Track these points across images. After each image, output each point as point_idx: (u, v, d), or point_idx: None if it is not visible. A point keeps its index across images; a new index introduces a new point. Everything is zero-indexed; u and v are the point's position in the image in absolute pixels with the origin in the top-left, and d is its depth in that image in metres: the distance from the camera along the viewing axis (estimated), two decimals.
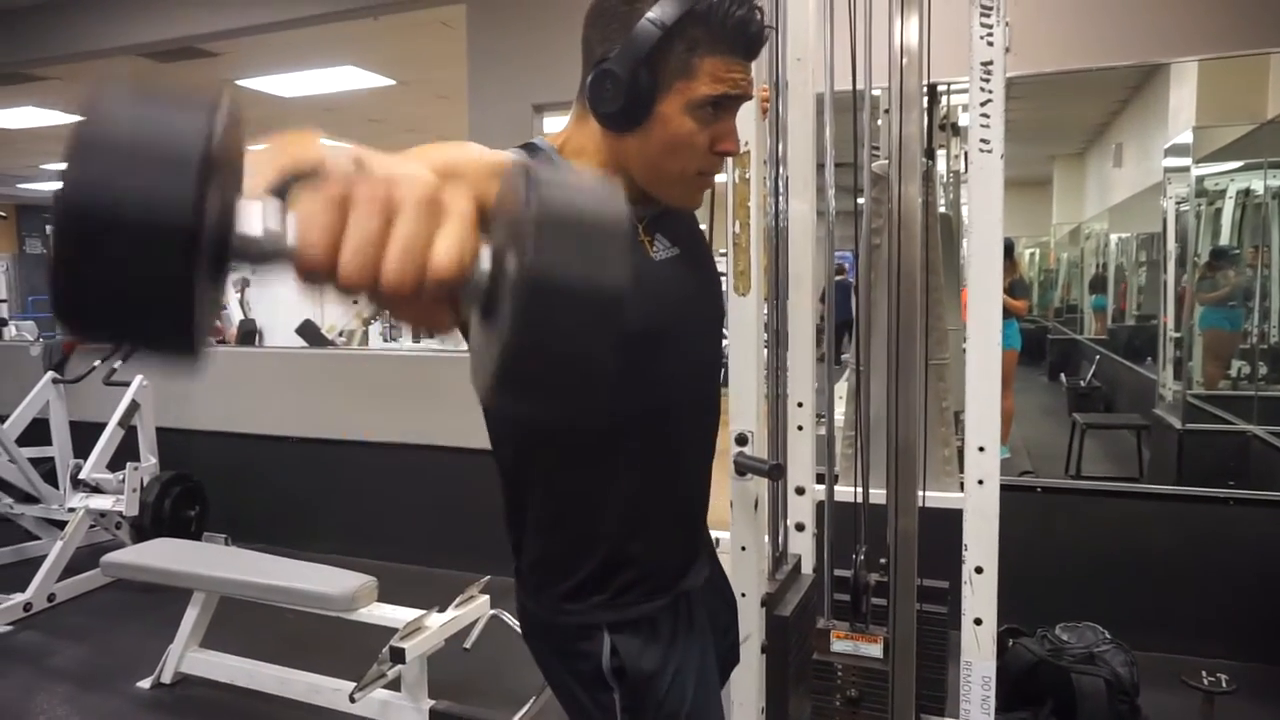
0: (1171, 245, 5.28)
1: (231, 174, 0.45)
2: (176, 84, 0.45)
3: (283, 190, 0.47)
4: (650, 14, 0.93)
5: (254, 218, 0.45)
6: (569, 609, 1.01)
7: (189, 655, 2.96)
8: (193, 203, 0.40)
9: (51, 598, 3.69)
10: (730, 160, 1.59)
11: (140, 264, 0.40)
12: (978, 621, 1.57)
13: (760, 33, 0.98)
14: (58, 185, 0.41)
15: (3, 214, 9.97)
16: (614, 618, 1.02)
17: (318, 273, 0.44)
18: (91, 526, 4.06)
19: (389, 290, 0.44)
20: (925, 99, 1.75)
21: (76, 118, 0.43)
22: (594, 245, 0.47)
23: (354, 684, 2.50)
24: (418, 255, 0.44)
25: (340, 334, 5.68)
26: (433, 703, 2.57)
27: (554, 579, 1.02)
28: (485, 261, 0.49)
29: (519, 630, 1.14)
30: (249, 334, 5.84)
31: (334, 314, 5.65)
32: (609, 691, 1.03)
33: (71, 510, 3.94)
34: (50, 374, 4.35)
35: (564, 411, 0.52)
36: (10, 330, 5.63)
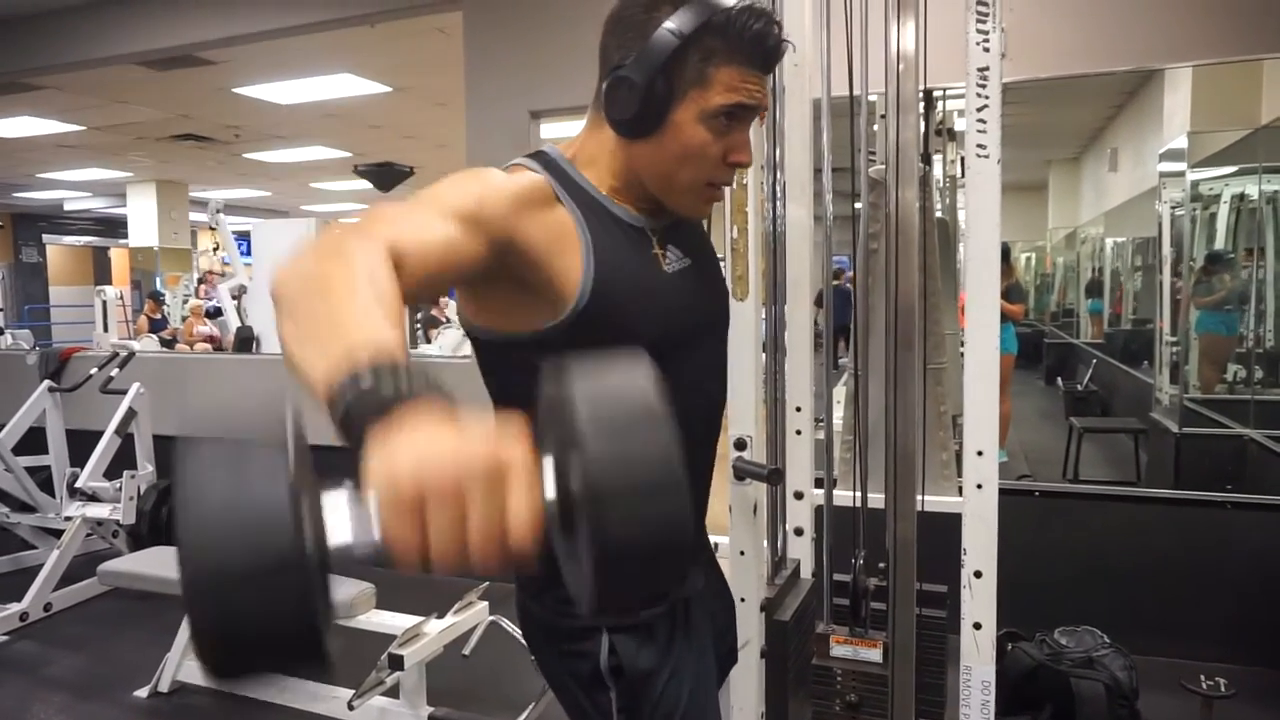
0: (1167, 250, 5.29)
1: (309, 478, 0.51)
2: (244, 443, 0.50)
3: (350, 421, 0.53)
4: (668, 23, 0.93)
5: (339, 518, 0.50)
6: (570, 611, 1.01)
7: (186, 664, 2.95)
8: (310, 606, 0.47)
9: (48, 607, 3.68)
10: None
11: (270, 622, 0.47)
12: (977, 626, 1.57)
13: (777, 46, 0.99)
14: (189, 612, 0.46)
15: None
16: (614, 621, 1.02)
17: (414, 568, 0.50)
18: (88, 535, 4.04)
19: (480, 566, 0.50)
20: (922, 104, 1.76)
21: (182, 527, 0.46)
22: (646, 432, 0.51)
23: (352, 691, 2.49)
24: (497, 532, 0.49)
25: None
26: (431, 709, 2.56)
27: (556, 582, 1.02)
28: (550, 490, 0.53)
29: (518, 636, 1.13)
30: (246, 340, 5.83)
31: None
32: (606, 691, 1.03)
33: (68, 519, 3.92)
34: (47, 382, 4.34)
35: (663, 588, 0.56)
36: (6, 339, 5.62)
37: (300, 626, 0.47)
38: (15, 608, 3.58)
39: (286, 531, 0.46)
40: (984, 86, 1.48)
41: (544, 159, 1.02)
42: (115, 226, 14.15)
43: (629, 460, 0.50)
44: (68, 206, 13.86)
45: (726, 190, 1.60)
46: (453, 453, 0.49)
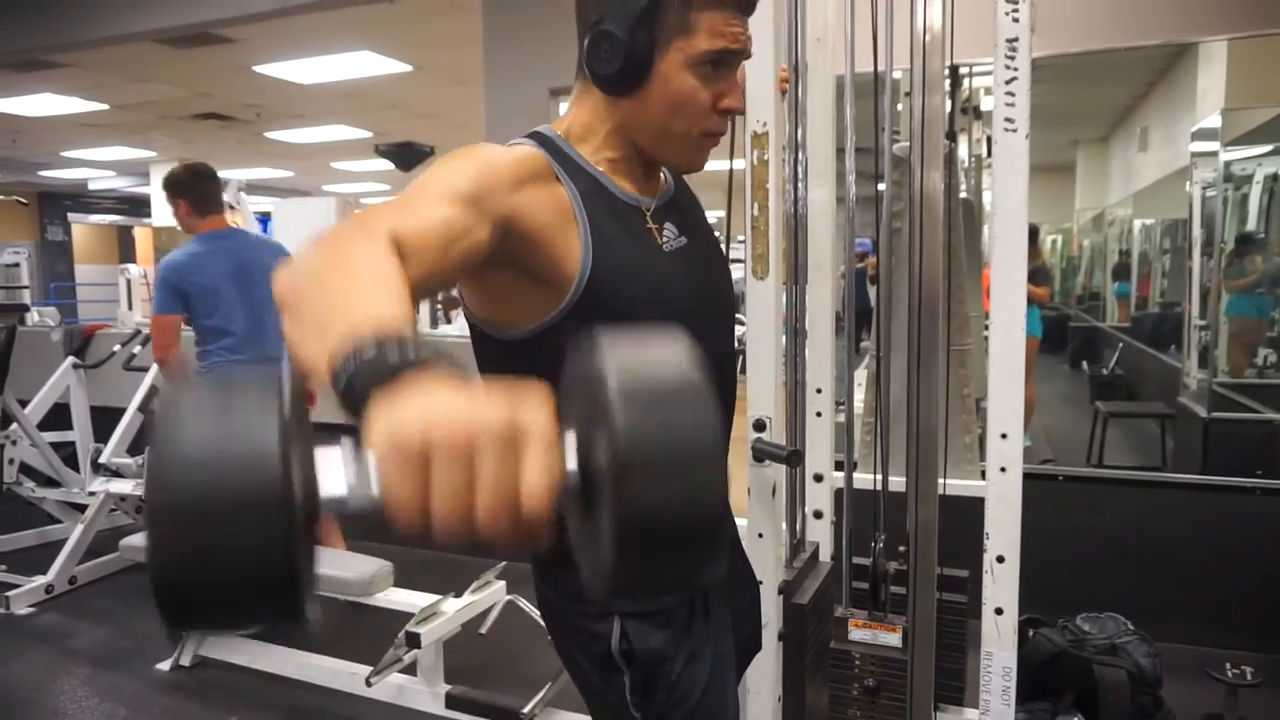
0: (1197, 231, 5.19)
1: (305, 428, 0.46)
2: (239, 380, 0.45)
3: (352, 392, 0.49)
4: None
5: (334, 472, 0.45)
6: (586, 596, 1.00)
7: (207, 638, 2.98)
8: (290, 550, 0.41)
9: (73, 580, 3.74)
10: (749, 142, 1.56)
11: (243, 565, 0.41)
12: (999, 611, 1.55)
13: None
14: (149, 552, 0.41)
15: (24, 201, 10.06)
16: (629, 609, 1.01)
17: (413, 529, 0.45)
18: (112, 510, 4.09)
19: (486, 534, 0.45)
20: (948, 81, 1.71)
21: (155, 440, 0.42)
22: (679, 408, 0.47)
23: (371, 668, 2.51)
24: (508, 496, 0.44)
25: None
26: (449, 687, 2.57)
27: (570, 571, 1.00)
28: (572, 461, 0.48)
29: (535, 615, 1.13)
30: None
31: None
32: (619, 674, 1.02)
33: (92, 494, 3.97)
34: (71, 359, 4.39)
35: (683, 575, 0.50)
36: (32, 316, 5.68)
37: (276, 571, 0.42)
38: (41, 580, 3.64)
39: (273, 466, 0.41)
40: (1012, 58, 1.43)
41: (539, 138, 1.00)
42: (139, 206, 14.25)
43: (663, 429, 0.45)
44: (92, 186, 13.98)
45: (747, 169, 1.58)
46: (465, 409, 0.45)
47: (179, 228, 3.27)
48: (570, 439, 0.49)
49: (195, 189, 3.18)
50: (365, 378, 0.49)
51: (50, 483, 4.29)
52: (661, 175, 1.11)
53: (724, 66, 0.97)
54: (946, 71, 1.62)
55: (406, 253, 0.69)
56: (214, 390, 0.44)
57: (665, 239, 1.04)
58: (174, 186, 3.18)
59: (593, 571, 0.51)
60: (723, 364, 1.13)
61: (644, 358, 0.48)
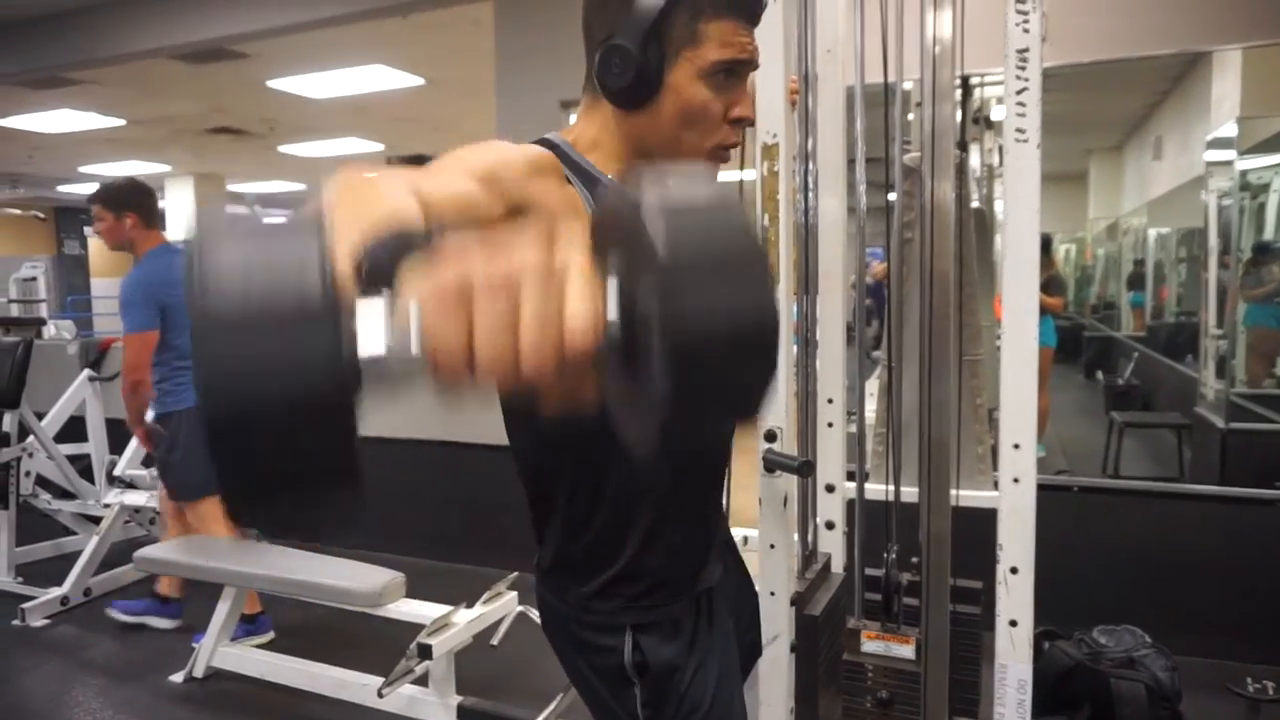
0: (1214, 240, 5.15)
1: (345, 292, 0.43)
2: (279, 208, 0.43)
3: (379, 265, 0.45)
4: None
5: (372, 328, 0.43)
6: (594, 608, 1.00)
7: (220, 650, 2.98)
8: (338, 375, 0.39)
9: (88, 592, 3.75)
10: (759, 153, 1.56)
11: (296, 437, 0.39)
12: (1013, 623, 1.53)
13: None
14: (199, 371, 0.38)
15: (41, 216, 10.17)
16: (637, 619, 1.00)
17: (457, 378, 0.43)
18: (126, 522, 4.12)
19: (533, 373, 0.42)
20: (959, 91, 1.71)
21: (193, 261, 0.40)
22: (732, 258, 0.43)
23: (382, 679, 2.50)
24: (553, 329, 0.42)
25: None
26: (460, 699, 2.56)
27: (577, 580, 1.01)
28: (613, 309, 0.45)
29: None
30: None
31: None
32: (630, 686, 1.01)
33: (107, 506, 4.00)
34: (87, 371, 4.42)
35: (748, 389, 0.45)
36: (49, 329, 5.73)
37: (335, 448, 0.40)
38: (56, 592, 3.66)
39: (321, 286, 0.39)
40: (1023, 68, 1.43)
41: (547, 144, 1.01)
42: None
43: (705, 233, 0.43)
44: None
45: (758, 180, 1.58)
46: (503, 250, 0.43)
47: (106, 244, 3.12)
48: (612, 283, 0.46)
49: (142, 202, 3.11)
50: (392, 250, 0.46)
51: (66, 495, 4.32)
52: None
53: (734, 77, 0.98)
54: (957, 81, 1.62)
55: (424, 209, 0.68)
56: (254, 222, 0.43)
57: None
58: (120, 199, 3.08)
59: (641, 420, 0.47)
60: None
61: (672, 180, 0.46)
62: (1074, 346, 8.62)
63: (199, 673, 3.00)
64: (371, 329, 0.42)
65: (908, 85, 1.96)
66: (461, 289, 0.42)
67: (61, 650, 3.36)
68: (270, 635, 3.24)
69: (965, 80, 3.25)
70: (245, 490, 0.41)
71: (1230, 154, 4.80)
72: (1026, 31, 1.43)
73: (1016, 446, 1.48)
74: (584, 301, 0.43)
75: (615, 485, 1.00)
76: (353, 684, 2.70)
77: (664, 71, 0.95)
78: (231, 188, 11.62)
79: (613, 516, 1.00)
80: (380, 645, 2.75)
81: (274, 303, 0.39)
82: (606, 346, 0.44)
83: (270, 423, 0.39)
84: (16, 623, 3.52)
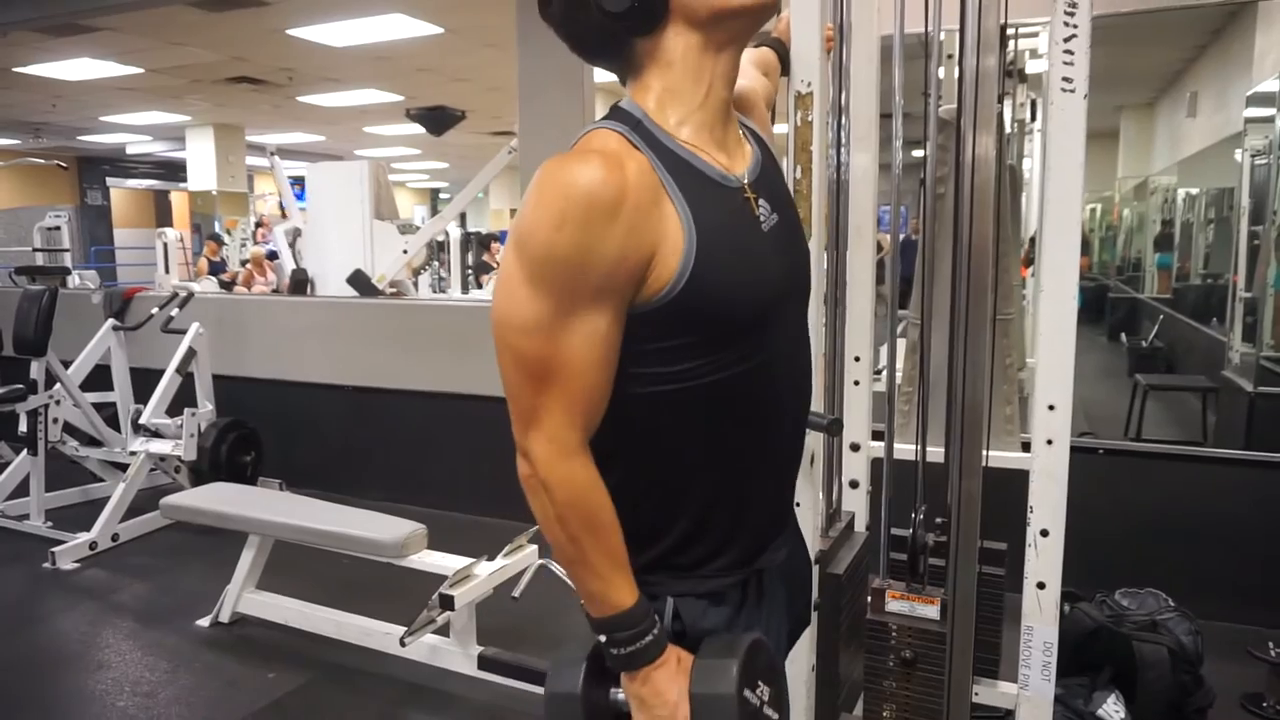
0: (1246, 200, 5.02)
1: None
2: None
3: (615, 649, 0.93)
4: None
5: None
6: (641, 580, 0.97)
7: (245, 596, 3.03)
8: None
9: (115, 537, 3.82)
10: (793, 103, 1.52)
11: None
12: (1041, 585, 1.52)
13: None
14: None
15: (63, 165, 10.18)
16: (683, 589, 0.98)
17: None
18: (152, 470, 4.18)
19: None
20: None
21: None
22: None
23: (405, 628, 2.54)
24: None
25: (390, 284, 5.71)
26: (481, 648, 2.60)
27: (631, 550, 0.97)
28: None
29: (567, 580, 1.11)
30: (300, 283, 5.88)
31: (384, 264, 5.69)
32: None
33: (133, 454, 4.05)
34: (111, 321, 4.45)
35: None
36: (73, 279, 5.76)
37: None
38: (85, 537, 3.73)
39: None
40: (1072, 14, 1.38)
41: (629, 120, 0.94)
42: (175, 170, 14.37)
43: None
44: (130, 150, 14.11)
45: (790, 130, 1.53)
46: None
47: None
48: None
49: None
50: (626, 648, 0.91)
51: (92, 442, 4.38)
52: (742, 135, 1.05)
53: None
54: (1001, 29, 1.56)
55: (591, 422, 0.91)
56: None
57: (761, 213, 0.99)
58: None
59: None
60: (803, 346, 1.09)
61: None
62: (1098, 307, 8.49)
63: (225, 618, 3.06)
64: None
65: (944, 35, 1.90)
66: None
67: (91, 593, 3.43)
68: None
69: (1002, 29, 3.15)
70: None
71: (1271, 110, 4.66)
72: None
73: (1051, 408, 1.46)
74: None
75: (700, 444, 0.96)
76: (376, 632, 2.74)
77: None
78: (251, 138, 11.61)
79: (687, 478, 0.97)
80: (403, 595, 2.79)
81: None
82: None
83: None
84: (47, 565, 3.59)
